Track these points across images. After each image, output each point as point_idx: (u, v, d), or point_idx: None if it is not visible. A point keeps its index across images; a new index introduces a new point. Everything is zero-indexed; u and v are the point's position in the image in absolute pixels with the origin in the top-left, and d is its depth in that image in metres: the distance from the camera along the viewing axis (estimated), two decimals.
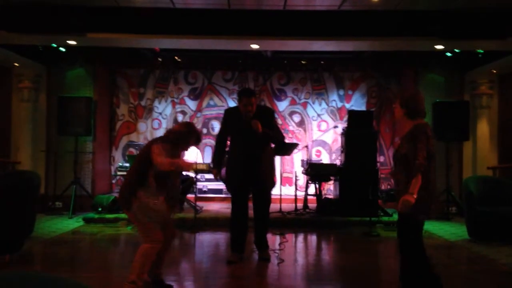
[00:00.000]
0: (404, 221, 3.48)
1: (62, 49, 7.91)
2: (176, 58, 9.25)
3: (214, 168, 5.23)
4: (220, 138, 5.32)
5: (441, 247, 6.17)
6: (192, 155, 8.19)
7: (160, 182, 3.70)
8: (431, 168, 3.40)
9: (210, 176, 8.94)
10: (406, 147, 3.44)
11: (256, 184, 5.05)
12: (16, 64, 8.51)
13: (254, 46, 7.50)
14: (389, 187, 9.42)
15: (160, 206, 3.72)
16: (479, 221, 6.23)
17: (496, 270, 4.97)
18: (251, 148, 4.99)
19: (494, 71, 8.55)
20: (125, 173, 7.64)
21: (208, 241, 6.57)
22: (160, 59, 9.24)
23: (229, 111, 5.39)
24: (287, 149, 7.86)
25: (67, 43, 7.43)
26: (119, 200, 3.88)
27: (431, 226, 7.45)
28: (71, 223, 7.35)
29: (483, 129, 8.77)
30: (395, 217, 7.59)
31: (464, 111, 8.29)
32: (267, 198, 5.23)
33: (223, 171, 5.36)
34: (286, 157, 9.27)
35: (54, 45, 7.71)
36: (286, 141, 9.10)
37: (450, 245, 6.28)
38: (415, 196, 3.26)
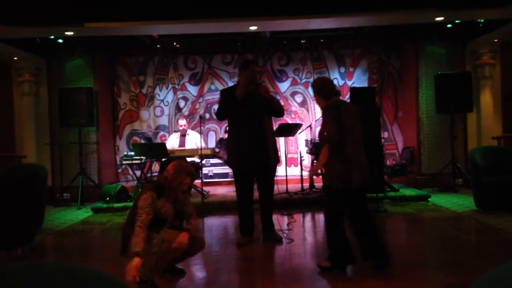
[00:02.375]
0: (327, 190, 3.96)
1: (60, 40, 7.87)
2: (175, 43, 9.19)
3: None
4: (220, 114, 5.26)
5: (449, 219, 6.19)
6: (196, 140, 8.20)
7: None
8: (349, 142, 3.78)
9: (216, 161, 8.98)
10: (322, 125, 3.89)
11: (262, 164, 5.03)
12: (15, 58, 8.49)
13: (253, 28, 7.44)
14: (394, 162, 9.43)
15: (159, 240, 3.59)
16: (486, 191, 6.23)
17: (505, 239, 4.99)
18: (255, 125, 4.96)
19: (495, 40, 8.47)
20: (130, 162, 7.68)
21: (216, 225, 6.62)
22: (158, 46, 9.19)
23: (226, 91, 5.30)
24: (291, 130, 7.85)
25: (65, 34, 7.40)
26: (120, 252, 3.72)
27: (438, 199, 7.48)
28: (80, 214, 7.41)
29: (487, 99, 8.73)
30: (402, 192, 7.62)
31: (466, 82, 8.24)
32: (273, 178, 5.24)
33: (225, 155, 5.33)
34: (291, 138, 9.27)
35: (52, 36, 7.67)
36: (290, 121, 9.10)
37: (458, 216, 6.30)
38: (322, 164, 3.85)
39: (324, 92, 3.96)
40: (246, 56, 9.59)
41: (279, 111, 5.18)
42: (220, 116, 5.33)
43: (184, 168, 3.77)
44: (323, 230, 6.29)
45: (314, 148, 7.89)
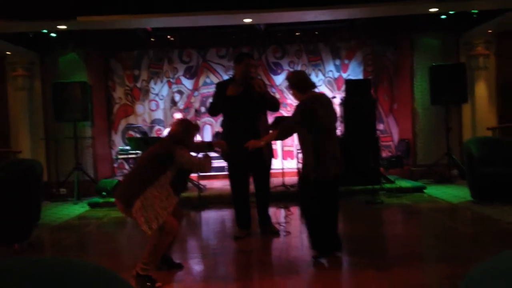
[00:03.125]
0: (302, 182, 4.15)
1: (53, 34, 7.81)
2: (169, 37, 9.15)
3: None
4: (213, 109, 5.23)
5: (444, 210, 6.23)
6: None
7: (176, 183, 3.83)
8: (323, 139, 3.96)
9: (212, 154, 8.95)
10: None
11: (255, 158, 5.00)
12: (8, 53, 8.43)
13: (247, 20, 7.41)
14: (390, 154, 9.46)
15: (168, 209, 3.69)
16: (481, 182, 6.26)
17: (501, 229, 5.02)
18: (250, 119, 4.94)
19: (490, 31, 8.47)
20: (126, 156, 7.66)
21: (213, 218, 6.63)
22: (153, 39, 9.14)
23: (221, 84, 5.24)
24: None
25: (57, 28, 7.34)
26: (119, 196, 3.74)
27: (433, 190, 7.52)
28: (77, 209, 7.40)
29: (481, 90, 8.75)
30: (398, 183, 7.65)
31: (461, 73, 8.26)
32: (268, 172, 5.23)
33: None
34: None
35: (45, 30, 7.61)
36: (285, 114, 9.09)
37: (454, 207, 6.34)
38: (262, 143, 4.35)
39: (300, 85, 4.08)
40: (241, 49, 9.55)
41: (275, 105, 5.15)
42: (212, 111, 5.28)
43: (189, 123, 4.08)
44: None
45: None
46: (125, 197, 3.68)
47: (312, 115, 3.93)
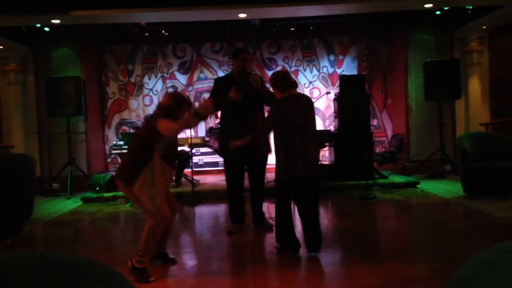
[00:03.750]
0: (275, 181, 4.18)
1: (46, 29, 7.76)
2: (163, 32, 9.11)
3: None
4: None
5: (437, 205, 6.26)
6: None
7: (166, 156, 3.76)
8: (296, 136, 3.99)
9: (206, 150, 8.96)
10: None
11: (251, 154, 5.01)
12: (0, 47, 8.36)
13: (242, 15, 7.39)
14: (383, 150, 9.49)
15: (164, 183, 3.73)
16: (474, 177, 6.30)
17: (493, 224, 5.05)
18: (247, 114, 4.94)
19: (484, 27, 8.50)
20: (119, 151, 7.64)
21: (207, 213, 6.63)
22: (147, 34, 9.10)
23: (219, 80, 5.30)
24: None
25: (51, 22, 7.29)
26: (119, 177, 3.77)
27: (426, 185, 7.55)
28: (70, 204, 7.37)
29: (475, 86, 8.78)
30: (391, 179, 7.68)
31: (454, 69, 8.28)
32: (264, 167, 5.24)
33: (216, 144, 5.31)
34: None
35: (38, 25, 7.56)
36: None
37: (446, 202, 6.37)
38: (238, 143, 4.30)
39: (279, 84, 4.17)
40: (236, 44, 9.53)
41: (271, 100, 5.14)
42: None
43: (181, 97, 3.97)
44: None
45: None
46: (124, 178, 3.70)
47: (283, 114, 4.03)
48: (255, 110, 5.02)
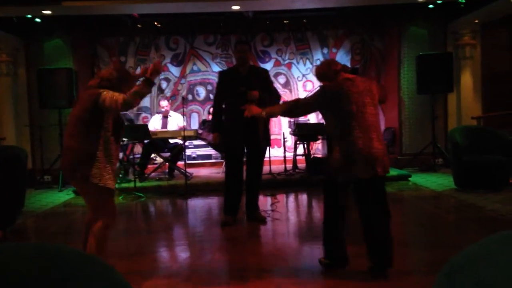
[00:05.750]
0: (326, 183, 3.57)
1: (38, 19, 7.68)
2: (156, 23, 9.05)
3: (215, 132, 5.22)
4: (217, 101, 5.27)
5: (429, 198, 6.30)
6: (178, 122, 8.14)
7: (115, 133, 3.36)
8: (354, 128, 3.32)
9: (199, 142, 8.95)
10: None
11: (253, 145, 5.05)
12: None
13: (235, 7, 7.36)
14: None
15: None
16: (465, 170, 6.35)
17: (484, 216, 5.10)
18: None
19: (476, 21, 8.52)
20: None
21: (200, 206, 6.63)
22: (139, 26, 9.04)
23: (223, 73, 5.46)
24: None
25: (42, 13, 7.21)
26: (65, 170, 3.35)
27: (418, 178, 7.60)
28: (62, 196, 7.34)
29: (467, 79, 8.82)
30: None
31: (447, 63, 8.30)
32: (262, 160, 5.28)
33: (211, 136, 5.34)
34: (274, 119, 9.26)
35: (29, 16, 7.48)
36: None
37: (437, 195, 6.42)
38: (263, 114, 3.79)
39: (323, 76, 3.60)
40: (229, 36, 9.50)
41: (275, 102, 5.22)
42: (217, 103, 5.25)
43: (125, 70, 3.71)
44: (306, 210, 6.36)
45: (297, 129, 7.91)
46: (76, 170, 3.24)
47: (335, 101, 3.39)
48: (259, 106, 5.05)
